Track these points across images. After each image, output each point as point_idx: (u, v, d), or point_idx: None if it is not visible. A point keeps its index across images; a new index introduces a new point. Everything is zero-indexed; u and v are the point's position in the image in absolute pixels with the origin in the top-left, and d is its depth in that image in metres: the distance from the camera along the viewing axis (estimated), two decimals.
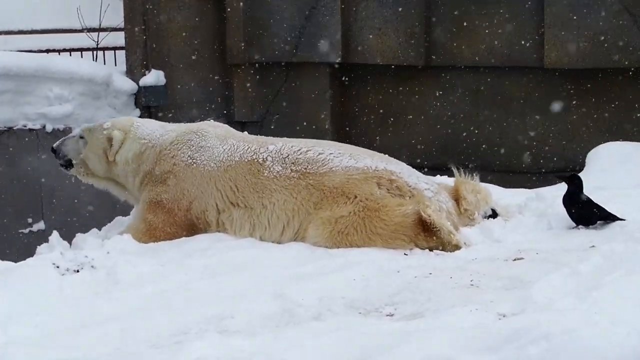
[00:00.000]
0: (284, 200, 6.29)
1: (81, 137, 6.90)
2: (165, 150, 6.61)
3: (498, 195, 6.81)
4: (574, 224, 6.26)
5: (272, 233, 6.30)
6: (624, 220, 6.19)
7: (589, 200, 6.25)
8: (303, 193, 6.27)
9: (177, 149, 6.58)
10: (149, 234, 6.44)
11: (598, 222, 6.22)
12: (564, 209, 6.28)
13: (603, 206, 6.24)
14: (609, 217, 6.20)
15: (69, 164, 6.96)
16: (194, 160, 6.51)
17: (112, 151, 6.75)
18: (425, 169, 6.98)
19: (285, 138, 6.69)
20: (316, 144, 6.54)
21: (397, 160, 6.54)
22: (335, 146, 6.53)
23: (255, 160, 6.43)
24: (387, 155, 6.63)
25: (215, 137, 6.61)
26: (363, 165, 6.30)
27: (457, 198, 6.49)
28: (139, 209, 6.65)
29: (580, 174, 6.51)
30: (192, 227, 6.48)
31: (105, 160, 6.81)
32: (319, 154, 6.38)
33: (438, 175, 7.16)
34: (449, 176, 6.83)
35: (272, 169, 6.37)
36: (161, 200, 6.49)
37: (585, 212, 6.21)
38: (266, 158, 6.41)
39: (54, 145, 7.00)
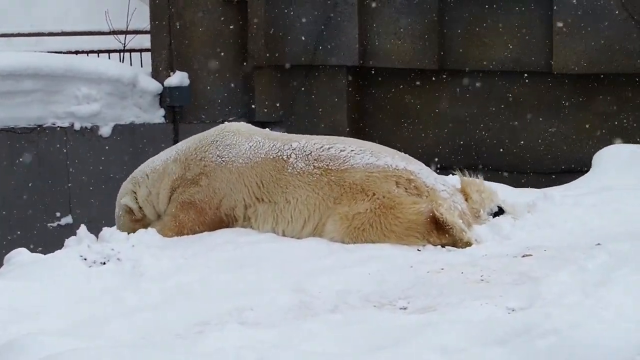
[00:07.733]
0: (306, 195, 6.34)
1: (127, 212, 6.84)
2: (192, 155, 6.60)
3: (507, 194, 6.81)
4: None
5: (294, 227, 6.35)
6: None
7: None
8: (325, 189, 6.32)
9: (204, 150, 6.58)
10: (177, 230, 6.49)
11: None
12: None
13: None
14: None
15: None
16: (222, 159, 6.53)
17: (138, 208, 6.79)
18: (438, 170, 7.08)
19: (308, 135, 6.70)
20: (338, 141, 6.57)
21: (417, 161, 6.58)
22: (357, 143, 6.54)
23: (280, 157, 6.46)
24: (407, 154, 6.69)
25: (240, 135, 6.63)
26: (383, 163, 6.33)
27: (465, 198, 6.51)
28: (169, 207, 6.63)
29: (586, 175, 6.57)
30: (219, 225, 6.51)
31: (153, 208, 6.77)
32: (341, 150, 6.41)
33: (450, 175, 7.19)
34: (453, 174, 6.87)
35: (295, 165, 6.41)
36: (194, 201, 6.51)
37: None
38: (290, 155, 6.45)
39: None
